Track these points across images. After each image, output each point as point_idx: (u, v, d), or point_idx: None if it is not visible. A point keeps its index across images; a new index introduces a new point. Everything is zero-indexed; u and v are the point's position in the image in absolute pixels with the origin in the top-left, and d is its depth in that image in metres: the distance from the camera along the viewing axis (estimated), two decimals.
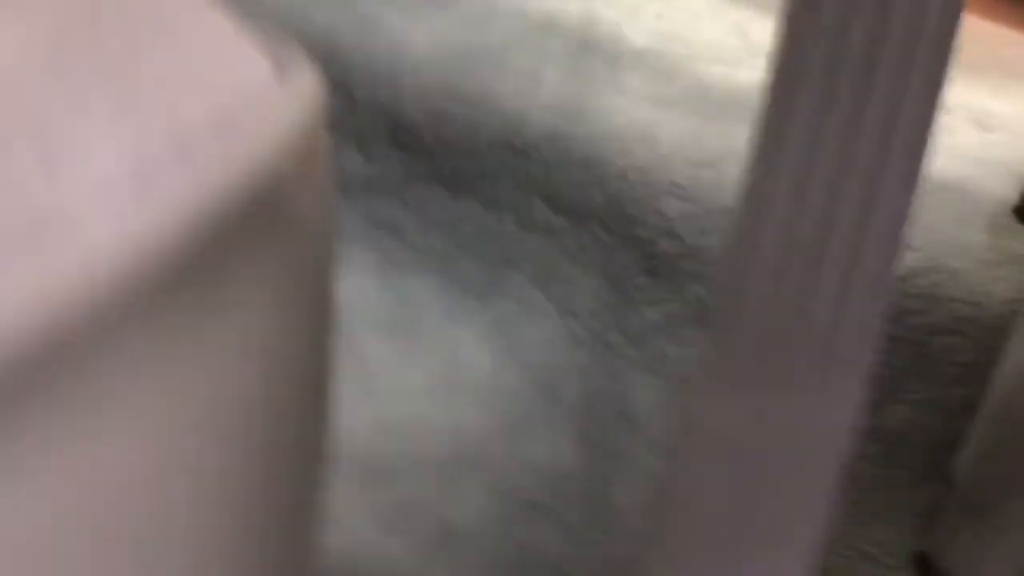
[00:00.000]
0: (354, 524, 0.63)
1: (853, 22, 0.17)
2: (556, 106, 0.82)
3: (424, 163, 0.84)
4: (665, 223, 0.73)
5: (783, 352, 0.18)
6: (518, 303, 0.76)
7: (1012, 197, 0.71)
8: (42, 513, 0.11)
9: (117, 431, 0.11)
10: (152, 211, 0.11)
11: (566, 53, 0.90)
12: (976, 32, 0.74)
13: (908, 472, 0.62)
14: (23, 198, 0.10)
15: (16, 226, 0.10)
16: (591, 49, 0.89)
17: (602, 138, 0.80)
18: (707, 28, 0.91)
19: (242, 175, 0.12)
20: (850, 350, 0.18)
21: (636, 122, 0.80)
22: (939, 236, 0.68)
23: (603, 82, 0.86)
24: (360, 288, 0.78)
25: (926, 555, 0.59)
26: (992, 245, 0.68)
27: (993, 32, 0.94)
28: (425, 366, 0.72)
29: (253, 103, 0.13)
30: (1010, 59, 0.92)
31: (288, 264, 0.13)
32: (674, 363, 0.69)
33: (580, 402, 0.69)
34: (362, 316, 0.76)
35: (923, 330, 0.64)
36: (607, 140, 0.80)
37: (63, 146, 0.10)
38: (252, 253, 0.12)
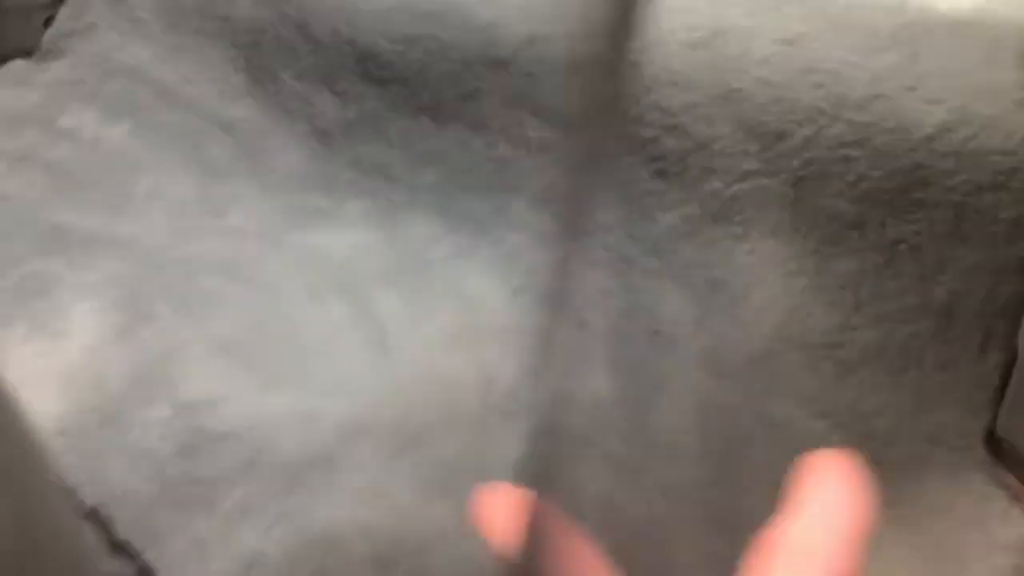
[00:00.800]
0: (394, 492, 0.61)
1: None
2: (530, 8, 0.76)
3: (401, 95, 0.78)
4: (667, 118, 0.68)
5: None
6: (524, 230, 0.71)
7: None
8: None
9: None
10: None
11: None
12: None
13: (967, 346, 0.59)
14: None
15: None
16: None
17: (584, 35, 0.74)
18: None
19: None
20: None
21: None
22: (965, 81, 0.63)
23: None
24: (359, 241, 0.74)
25: (996, 433, 0.55)
26: None
27: None
28: (440, 313, 0.69)
29: None
30: None
31: None
32: (700, 268, 0.64)
33: (608, 325, 0.65)
34: (365, 270, 0.72)
35: (960, 191, 0.60)
36: (590, 36, 0.73)
37: None
38: None
